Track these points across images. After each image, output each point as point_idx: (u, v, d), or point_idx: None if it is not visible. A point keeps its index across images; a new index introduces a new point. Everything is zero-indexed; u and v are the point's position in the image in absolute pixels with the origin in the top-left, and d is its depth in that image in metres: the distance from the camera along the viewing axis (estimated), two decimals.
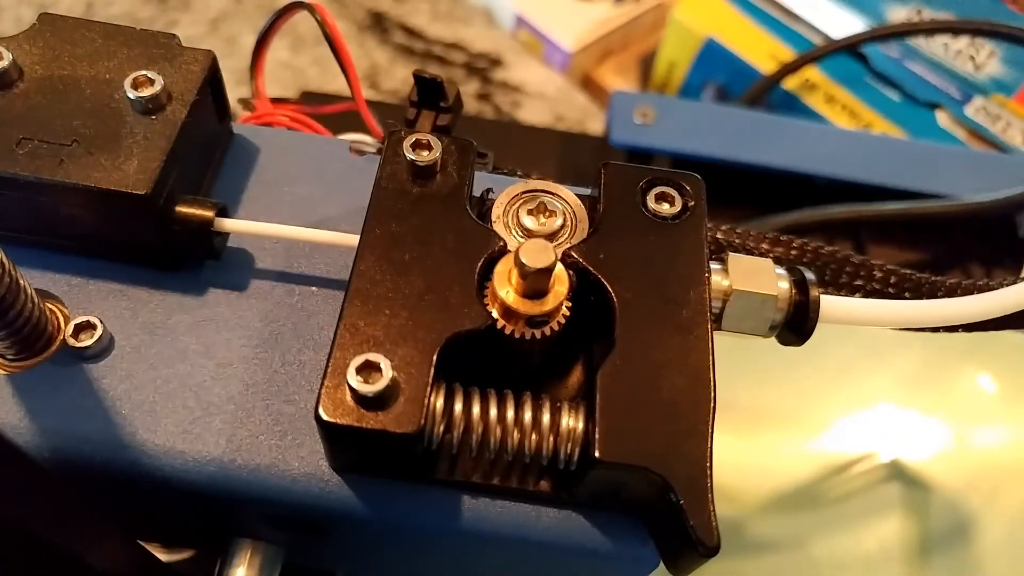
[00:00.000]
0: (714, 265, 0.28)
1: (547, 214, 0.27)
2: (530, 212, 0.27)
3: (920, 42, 0.67)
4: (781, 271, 0.28)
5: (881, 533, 0.48)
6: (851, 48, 0.66)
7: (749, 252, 0.35)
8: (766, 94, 0.66)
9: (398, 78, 0.75)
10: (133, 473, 0.25)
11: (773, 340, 0.29)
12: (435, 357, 0.24)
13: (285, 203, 0.31)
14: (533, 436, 0.24)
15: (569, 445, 0.24)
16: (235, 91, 0.32)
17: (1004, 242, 0.61)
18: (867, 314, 0.29)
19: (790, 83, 0.68)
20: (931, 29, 0.65)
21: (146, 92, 0.28)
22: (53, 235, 0.28)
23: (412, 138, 0.28)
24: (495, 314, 0.25)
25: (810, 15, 0.70)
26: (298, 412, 0.26)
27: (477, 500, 0.26)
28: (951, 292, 0.33)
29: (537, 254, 0.23)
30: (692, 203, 0.28)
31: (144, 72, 0.28)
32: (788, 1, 0.71)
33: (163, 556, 0.32)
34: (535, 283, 0.24)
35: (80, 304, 0.28)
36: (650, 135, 0.60)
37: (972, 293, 0.30)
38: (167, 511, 0.28)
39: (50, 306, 0.28)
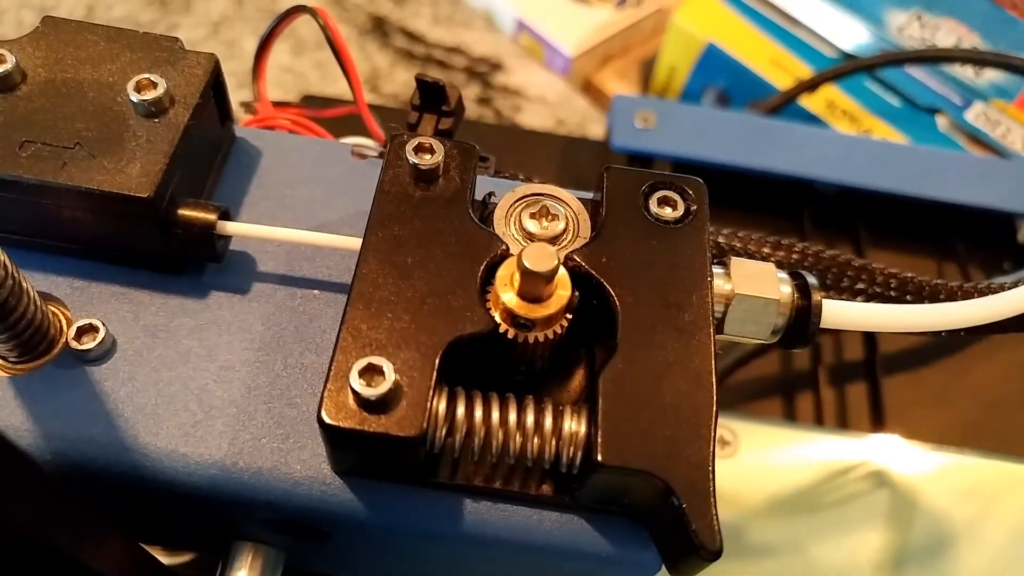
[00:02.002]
0: (716, 269, 0.28)
1: (549, 218, 0.27)
2: (532, 216, 0.27)
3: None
4: (783, 275, 0.28)
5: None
6: (871, 69, 0.65)
7: (751, 256, 0.35)
8: (780, 109, 0.66)
9: (399, 82, 0.75)
10: (135, 476, 0.25)
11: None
12: (438, 360, 0.24)
13: (287, 206, 0.31)
14: (535, 439, 0.24)
15: (571, 449, 0.24)
16: (236, 94, 0.32)
17: (1004, 246, 0.61)
18: (869, 318, 0.29)
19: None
20: (964, 58, 0.64)
21: (149, 95, 0.28)
22: (56, 238, 0.28)
23: (415, 141, 0.28)
24: (497, 318, 0.25)
25: (810, 20, 0.70)
26: (300, 415, 0.26)
27: (479, 504, 0.26)
28: (952, 296, 0.33)
29: (540, 258, 0.23)
30: (694, 207, 0.28)
31: (147, 75, 0.28)
32: (788, 6, 0.71)
33: (165, 559, 0.32)
34: (538, 287, 0.24)
35: (82, 307, 0.28)
36: (651, 139, 0.60)
37: (973, 297, 0.31)
38: (169, 514, 0.28)
39: (52, 309, 0.28)
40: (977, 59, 0.63)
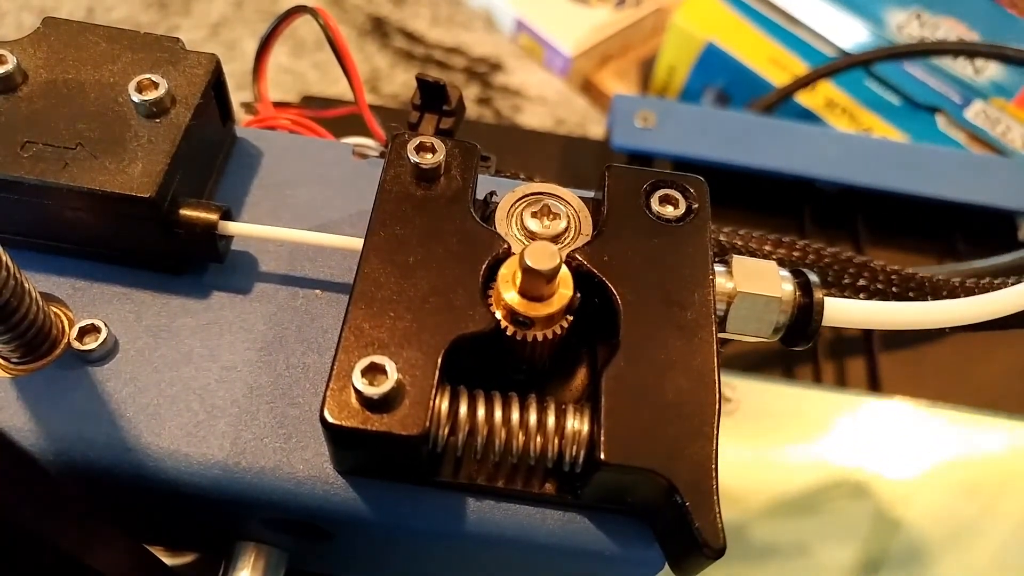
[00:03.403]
0: (718, 267, 0.28)
1: (551, 216, 0.27)
2: (534, 215, 0.27)
3: None
4: (785, 273, 0.28)
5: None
6: (867, 64, 0.66)
7: (752, 254, 0.35)
8: (776, 106, 0.66)
9: (398, 82, 0.75)
10: (137, 476, 0.25)
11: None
12: (440, 359, 0.24)
13: (289, 206, 0.31)
14: (538, 438, 0.24)
15: (574, 447, 0.24)
16: (236, 95, 0.32)
17: (1004, 244, 0.61)
18: (870, 316, 0.29)
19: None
20: (957, 50, 0.64)
21: (150, 96, 0.28)
22: (57, 238, 0.28)
23: (416, 141, 0.28)
24: (499, 317, 0.25)
25: (810, 19, 0.70)
26: (302, 415, 0.26)
27: (482, 502, 0.26)
28: (953, 293, 0.33)
29: (543, 256, 0.23)
30: (696, 205, 0.28)
31: (148, 76, 0.28)
32: (788, 5, 0.71)
33: (167, 559, 0.32)
34: (540, 285, 0.24)
35: (84, 307, 0.28)
36: (651, 139, 0.60)
37: (974, 293, 0.31)
38: (171, 514, 0.28)
39: (54, 309, 0.28)
40: (970, 51, 0.63)
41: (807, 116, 0.67)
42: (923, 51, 0.65)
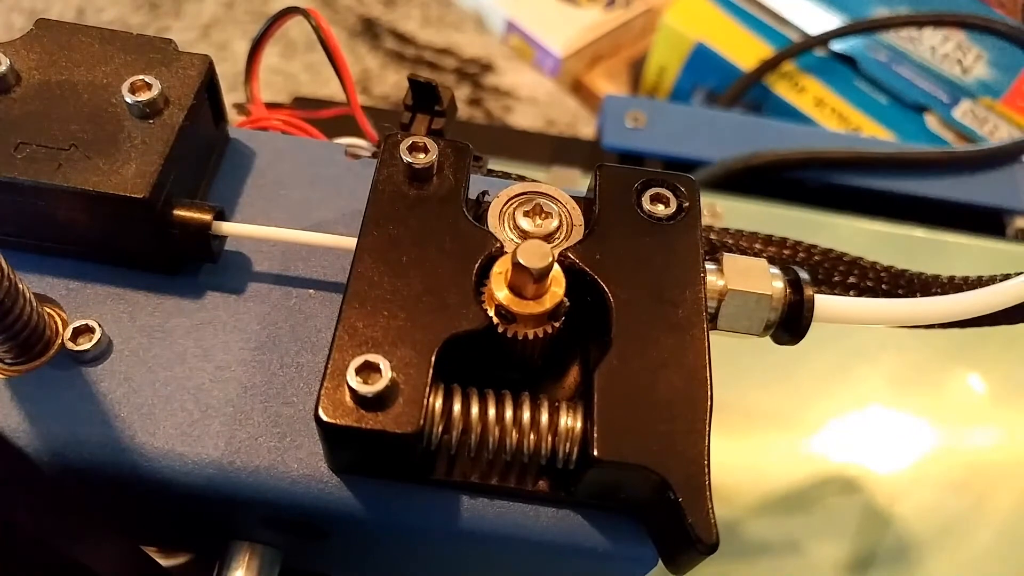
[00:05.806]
0: (709, 265, 0.28)
1: (543, 215, 0.27)
2: (526, 214, 0.27)
3: (908, 46, 0.68)
4: (775, 271, 0.28)
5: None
6: (826, 42, 0.67)
7: (742, 252, 0.35)
8: (745, 92, 0.67)
9: (389, 83, 0.75)
10: (132, 476, 0.26)
11: (768, 340, 0.29)
12: (433, 358, 0.24)
13: (282, 206, 0.31)
14: (531, 436, 0.24)
15: (567, 444, 0.24)
16: (227, 96, 0.32)
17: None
18: (861, 313, 0.29)
19: (781, 87, 0.68)
20: (902, 23, 0.66)
21: (144, 96, 0.28)
22: (51, 239, 0.28)
23: (409, 141, 0.28)
24: (492, 315, 0.25)
25: (798, 19, 0.70)
26: (296, 414, 0.27)
27: (476, 500, 0.26)
28: (943, 289, 0.33)
29: (535, 254, 0.23)
30: (686, 204, 0.28)
31: (141, 77, 0.28)
32: (777, 5, 0.71)
33: (161, 561, 0.32)
34: (532, 284, 0.24)
35: (78, 308, 0.28)
36: (641, 139, 0.60)
37: (963, 290, 0.31)
38: (166, 514, 0.28)
39: (48, 310, 0.28)
40: (914, 21, 0.65)
41: (797, 116, 0.68)
42: (872, 27, 0.66)
